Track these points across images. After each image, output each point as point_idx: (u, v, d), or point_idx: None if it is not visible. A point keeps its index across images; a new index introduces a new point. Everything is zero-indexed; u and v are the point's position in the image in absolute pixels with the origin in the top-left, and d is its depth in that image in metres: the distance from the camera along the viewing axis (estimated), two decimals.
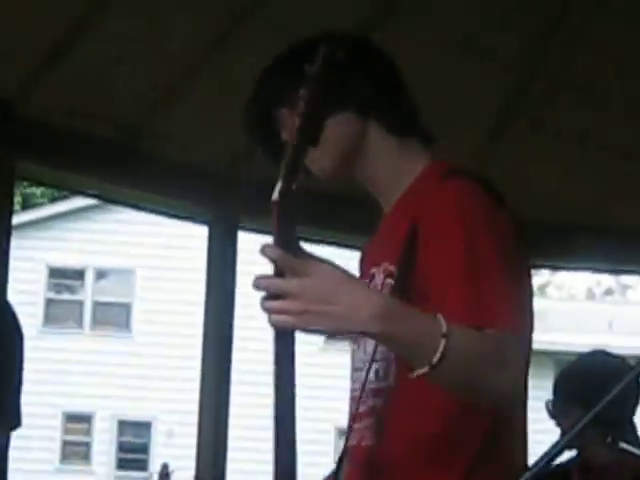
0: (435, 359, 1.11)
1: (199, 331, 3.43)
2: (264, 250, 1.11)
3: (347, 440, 1.39)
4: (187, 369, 11.16)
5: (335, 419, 11.52)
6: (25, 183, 10.93)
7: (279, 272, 1.11)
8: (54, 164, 3.26)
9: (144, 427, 15.24)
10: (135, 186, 3.42)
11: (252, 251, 1.35)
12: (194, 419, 3.39)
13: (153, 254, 14.57)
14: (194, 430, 3.38)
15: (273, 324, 1.12)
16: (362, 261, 1.47)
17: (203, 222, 3.64)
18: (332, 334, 1.29)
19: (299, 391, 1.16)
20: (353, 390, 1.40)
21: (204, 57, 3.17)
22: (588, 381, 2.11)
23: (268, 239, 1.14)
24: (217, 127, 3.20)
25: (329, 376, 12.01)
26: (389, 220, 1.42)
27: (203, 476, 3.33)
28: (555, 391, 2.34)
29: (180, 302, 13.41)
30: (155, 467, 12.56)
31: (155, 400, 14.12)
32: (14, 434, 2.24)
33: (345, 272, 1.15)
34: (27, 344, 2.25)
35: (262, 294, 1.12)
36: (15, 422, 2.20)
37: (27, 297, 12.52)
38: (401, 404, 1.31)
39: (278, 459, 1.16)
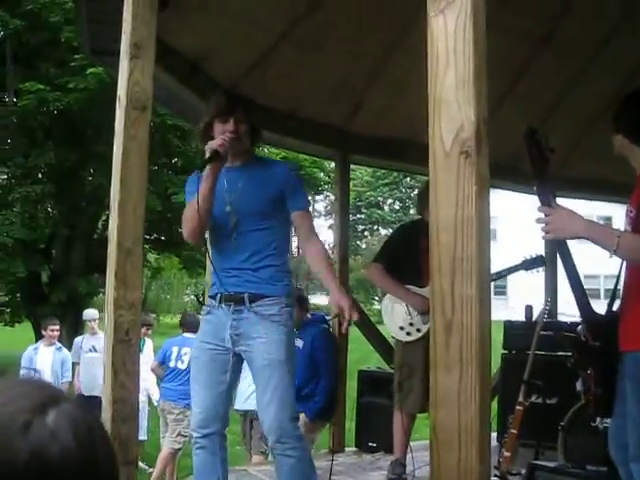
0: (613, 247, 2.26)
1: None
2: (540, 209, 2.36)
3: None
4: None
5: None
6: None
7: (546, 212, 2.35)
8: None
9: None
10: None
11: None
12: None
13: None
14: None
15: (543, 234, 2.35)
16: (630, 200, 2.61)
17: None
18: (569, 238, 2.48)
19: None
20: None
21: None
22: None
23: None
24: None
25: None
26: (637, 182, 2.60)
27: None
28: None
29: None
30: None
31: None
32: None
33: (571, 211, 2.33)
34: None
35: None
36: None
37: None
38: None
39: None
